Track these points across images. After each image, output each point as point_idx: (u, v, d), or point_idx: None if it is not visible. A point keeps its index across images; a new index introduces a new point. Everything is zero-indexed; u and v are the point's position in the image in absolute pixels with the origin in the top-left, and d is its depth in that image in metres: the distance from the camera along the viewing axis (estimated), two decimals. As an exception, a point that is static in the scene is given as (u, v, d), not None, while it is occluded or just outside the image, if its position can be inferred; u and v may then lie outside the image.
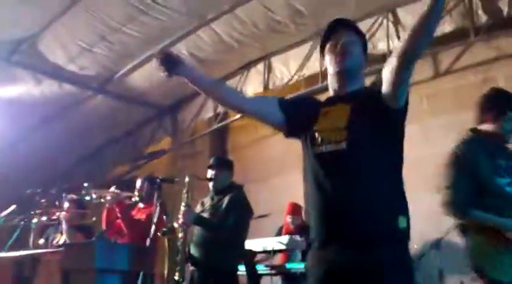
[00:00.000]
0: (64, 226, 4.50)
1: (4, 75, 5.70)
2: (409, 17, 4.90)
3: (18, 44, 5.23)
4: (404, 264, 1.75)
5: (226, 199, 3.70)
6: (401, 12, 4.96)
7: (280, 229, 5.03)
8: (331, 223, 1.77)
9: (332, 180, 1.77)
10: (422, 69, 5.19)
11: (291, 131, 1.98)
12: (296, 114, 1.95)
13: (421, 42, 1.63)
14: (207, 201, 3.89)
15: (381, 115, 1.77)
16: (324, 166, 1.80)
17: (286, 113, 1.96)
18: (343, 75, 1.89)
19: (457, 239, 4.45)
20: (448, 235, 4.18)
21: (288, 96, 2.15)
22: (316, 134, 1.84)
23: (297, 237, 4.30)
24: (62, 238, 4.53)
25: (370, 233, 1.70)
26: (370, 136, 1.77)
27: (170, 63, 1.91)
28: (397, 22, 4.98)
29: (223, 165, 3.96)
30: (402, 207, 1.77)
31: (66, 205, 4.64)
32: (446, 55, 5.11)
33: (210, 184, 3.86)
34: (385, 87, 1.74)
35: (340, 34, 1.89)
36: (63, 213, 4.53)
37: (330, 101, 1.93)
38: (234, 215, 3.63)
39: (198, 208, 3.89)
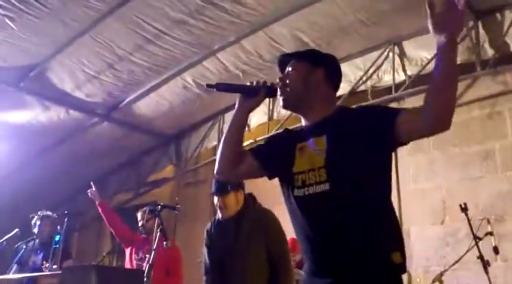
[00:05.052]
0: None
1: (13, 101, 5.75)
2: (415, 49, 4.93)
3: (28, 70, 5.29)
4: None
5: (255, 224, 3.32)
6: (407, 44, 4.98)
7: None
8: (321, 265, 1.72)
9: (317, 221, 1.72)
10: (428, 102, 5.17)
11: (272, 175, 1.94)
12: (271, 159, 1.90)
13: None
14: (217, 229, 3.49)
15: (372, 144, 1.68)
16: (308, 209, 1.74)
17: (261, 161, 1.91)
18: (293, 109, 1.91)
19: (461, 272, 4.40)
20: (452, 267, 4.11)
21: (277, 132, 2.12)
22: (296, 176, 1.77)
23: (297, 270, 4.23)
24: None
25: (363, 274, 1.64)
26: (354, 171, 1.69)
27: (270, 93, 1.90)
28: (402, 54, 5.00)
29: (229, 187, 3.43)
30: (396, 242, 1.70)
31: None
32: (452, 88, 5.09)
33: (219, 213, 3.46)
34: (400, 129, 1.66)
35: (283, 71, 1.92)
36: None
37: (304, 134, 1.85)
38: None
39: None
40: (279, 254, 3.34)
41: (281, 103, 1.89)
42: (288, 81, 1.88)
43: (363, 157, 1.69)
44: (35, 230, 4.74)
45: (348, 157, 1.70)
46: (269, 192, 5.79)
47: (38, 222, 4.76)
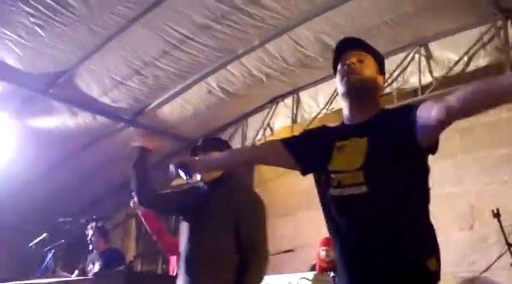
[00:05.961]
0: None
1: (41, 107, 5.88)
2: (441, 50, 4.87)
3: (56, 77, 5.39)
4: None
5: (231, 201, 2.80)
6: (433, 46, 4.91)
7: (314, 266, 4.88)
8: (354, 269, 1.70)
9: (353, 223, 1.70)
10: (455, 104, 5.10)
11: (305, 170, 1.92)
12: (306, 153, 1.87)
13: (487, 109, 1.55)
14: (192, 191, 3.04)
15: (407, 148, 1.66)
16: (343, 210, 1.71)
17: (294, 154, 1.90)
18: (353, 96, 1.81)
19: (491, 278, 4.30)
20: (482, 274, 4.03)
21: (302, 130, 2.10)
22: (332, 175, 1.73)
23: (324, 275, 4.20)
24: None
25: (396, 279, 1.61)
26: (392, 175, 1.66)
27: (185, 169, 2.09)
28: (429, 56, 4.93)
29: (213, 146, 3.00)
30: (432, 248, 1.67)
31: None
32: (480, 90, 5.00)
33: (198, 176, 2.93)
34: (426, 125, 1.63)
35: (350, 53, 1.85)
36: None
37: (345, 133, 1.81)
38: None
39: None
40: (250, 239, 2.73)
41: (345, 86, 1.81)
42: (361, 69, 1.83)
43: (401, 160, 1.67)
44: (89, 239, 4.76)
45: (386, 160, 1.67)
46: (287, 202, 5.80)
47: (91, 232, 4.78)
